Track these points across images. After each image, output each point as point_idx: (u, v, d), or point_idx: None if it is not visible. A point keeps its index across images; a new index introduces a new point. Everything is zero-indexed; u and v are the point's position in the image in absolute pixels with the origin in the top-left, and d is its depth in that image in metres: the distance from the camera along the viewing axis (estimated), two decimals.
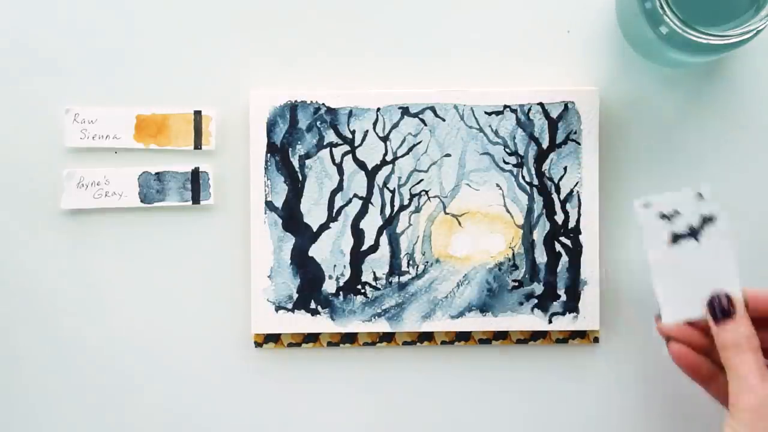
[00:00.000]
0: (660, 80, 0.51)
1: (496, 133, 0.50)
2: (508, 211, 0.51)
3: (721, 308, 0.42)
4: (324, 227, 0.50)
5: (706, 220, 0.43)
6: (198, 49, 0.51)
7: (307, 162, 0.50)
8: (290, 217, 0.50)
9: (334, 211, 0.50)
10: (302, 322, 0.50)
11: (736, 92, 0.51)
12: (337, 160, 0.50)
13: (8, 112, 0.51)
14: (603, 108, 0.51)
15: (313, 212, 0.50)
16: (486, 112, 0.50)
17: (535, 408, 0.51)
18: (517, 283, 0.50)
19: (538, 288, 0.50)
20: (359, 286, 0.50)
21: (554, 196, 0.50)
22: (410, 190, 0.51)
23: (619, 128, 0.51)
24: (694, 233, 0.43)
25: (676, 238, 0.43)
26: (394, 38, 0.51)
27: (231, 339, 0.52)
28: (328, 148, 0.50)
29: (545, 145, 0.50)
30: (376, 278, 0.50)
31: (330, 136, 0.50)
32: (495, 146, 0.50)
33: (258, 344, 0.51)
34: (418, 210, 0.51)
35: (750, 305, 0.42)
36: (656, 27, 0.44)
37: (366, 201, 0.50)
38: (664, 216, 0.44)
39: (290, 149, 0.50)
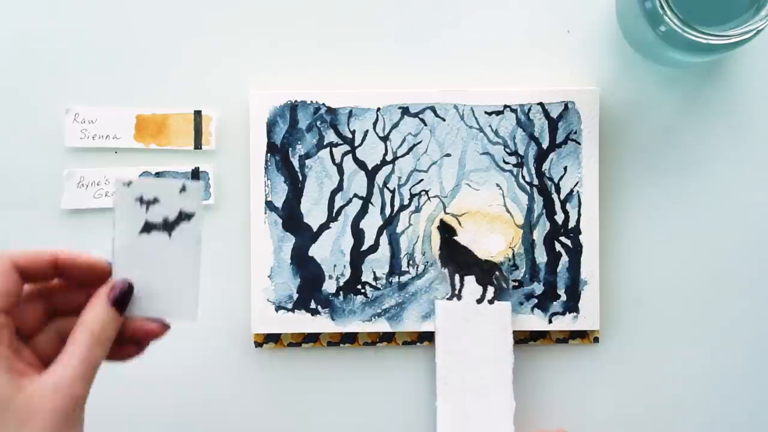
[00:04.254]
0: (660, 80, 0.51)
1: (496, 133, 0.50)
2: (508, 211, 0.51)
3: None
4: (324, 227, 0.50)
5: (183, 216, 0.40)
6: (198, 49, 0.51)
7: (307, 162, 0.50)
8: (290, 217, 0.50)
9: (334, 211, 0.50)
10: (302, 322, 0.50)
11: (736, 92, 0.51)
12: (337, 160, 0.50)
13: (8, 112, 0.51)
14: (603, 108, 0.51)
15: (313, 212, 0.50)
16: (486, 112, 0.50)
17: (535, 407, 0.51)
18: (517, 283, 0.50)
19: (538, 288, 0.50)
20: (359, 286, 0.50)
21: (554, 196, 0.50)
22: (410, 190, 0.51)
23: (619, 128, 0.51)
24: (167, 227, 0.40)
25: (148, 227, 0.40)
26: (395, 38, 0.51)
27: (231, 339, 0.52)
28: (328, 148, 0.50)
29: (545, 145, 0.50)
30: (376, 278, 0.50)
31: (330, 136, 0.50)
32: (495, 146, 0.50)
33: (258, 344, 0.51)
34: (418, 210, 0.51)
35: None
36: (656, 27, 0.44)
37: (366, 201, 0.50)
38: (143, 201, 0.40)
39: (290, 149, 0.50)
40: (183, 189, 0.40)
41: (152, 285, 0.40)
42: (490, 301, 0.50)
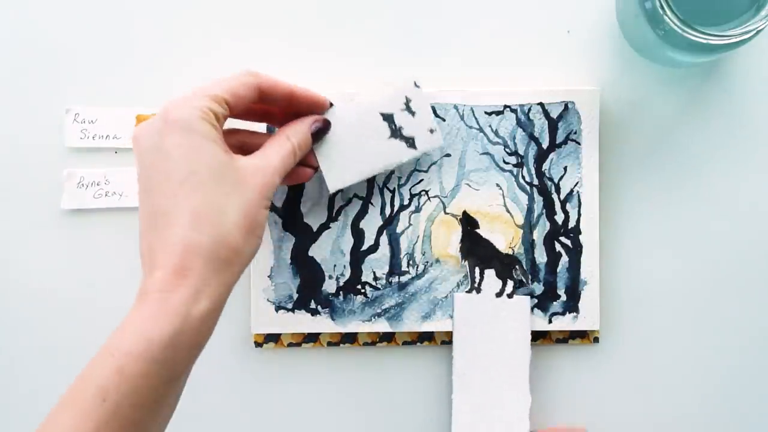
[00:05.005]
0: (660, 80, 0.51)
1: (496, 133, 0.50)
2: (508, 211, 0.51)
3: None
4: (324, 227, 0.50)
5: (411, 143, 0.48)
6: (198, 48, 0.51)
7: None
8: (290, 217, 0.50)
9: (334, 211, 0.50)
10: (302, 322, 0.50)
11: (736, 92, 0.51)
12: None
13: (8, 112, 0.51)
14: (603, 108, 0.51)
15: (313, 212, 0.50)
16: (486, 112, 0.50)
17: (535, 408, 0.51)
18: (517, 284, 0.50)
19: (538, 288, 0.50)
20: (359, 286, 0.50)
21: (554, 196, 0.50)
22: (410, 190, 0.51)
23: (619, 128, 0.51)
24: (398, 134, 0.48)
25: (388, 118, 0.48)
26: (394, 38, 0.51)
27: (231, 339, 0.52)
28: None
29: (545, 145, 0.50)
30: (376, 278, 0.50)
31: None
32: (495, 146, 0.50)
33: (258, 344, 0.51)
34: (418, 210, 0.51)
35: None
36: (656, 27, 0.44)
37: (366, 201, 0.50)
38: (407, 104, 0.48)
39: None
40: (432, 131, 0.48)
41: (343, 144, 0.47)
42: (510, 296, 0.50)
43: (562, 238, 0.50)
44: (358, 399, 0.52)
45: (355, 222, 0.50)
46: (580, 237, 0.50)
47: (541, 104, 0.50)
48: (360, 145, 0.47)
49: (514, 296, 0.50)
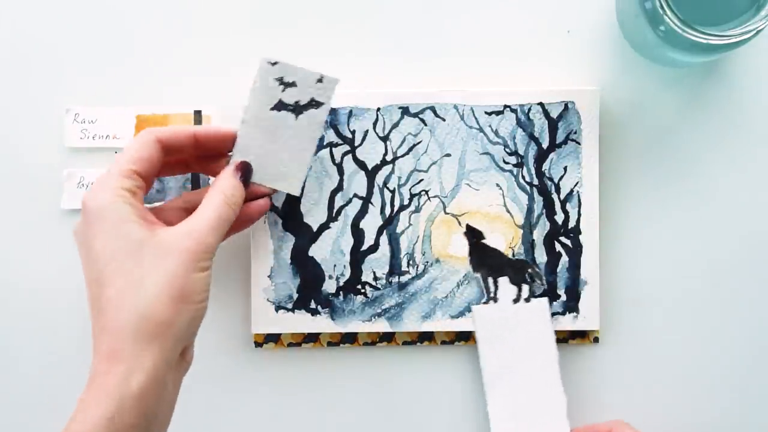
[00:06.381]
0: (660, 80, 0.51)
1: (496, 133, 0.50)
2: (508, 211, 0.51)
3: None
4: (324, 227, 0.50)
5: (313, 103, 0.46)
6: (198, 49, 0.51)
7: None
8: (290, 217, 0.50)
9: (334, 211, 0.50)
10: (302, 322, 0.50)
11: (736, 92, 0.51)
12: (337, 159, 0.50)
13: (8, 112, 0.51)
14: (603, 108, 0.51)
15: (313, 212, 0.50)
16: (486, 112, 0.50)
17: None
18: None
19: (538, 288, 0.50)
20: (359, 286, 0.50)
21: (554, 196, 0.50)
22: (410, 190, 0.51)
23: (619, 128, 0.51)
24: (296, 109, 0.46)
25: (280, 105, 0.46)
26: (395, 38, 0.51)
27: (231, 339, 0.52)
28: (328, 148, 0.50)
29: (545, 145, 0.50)
30: (376, 278, 0.50)
31: (330, 136, 0.50)
32: (495, 146, 0.50)
33: (258, 344, 0.51)
34: (418, 210, 0.51)
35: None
36: (656, 27, 0.44)
37: (366, 201, 0.50)
38: (282, 82, 0.46)
39: None
40: (320, 80, 0.46)
41: (270, 156, 0.46)
42: (527, 300, 0.50)
43: (562, 238, 0.50)
44: (357, 399, 0.52)
45: (355, 222, 0.51)
46: (580, 237, 0.50)
47: (541, 104, 0.50)
48: (284, 144, 0.46)
49: (532, 300, 0.50)
